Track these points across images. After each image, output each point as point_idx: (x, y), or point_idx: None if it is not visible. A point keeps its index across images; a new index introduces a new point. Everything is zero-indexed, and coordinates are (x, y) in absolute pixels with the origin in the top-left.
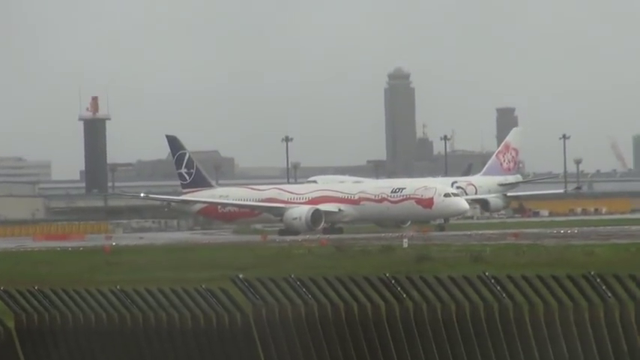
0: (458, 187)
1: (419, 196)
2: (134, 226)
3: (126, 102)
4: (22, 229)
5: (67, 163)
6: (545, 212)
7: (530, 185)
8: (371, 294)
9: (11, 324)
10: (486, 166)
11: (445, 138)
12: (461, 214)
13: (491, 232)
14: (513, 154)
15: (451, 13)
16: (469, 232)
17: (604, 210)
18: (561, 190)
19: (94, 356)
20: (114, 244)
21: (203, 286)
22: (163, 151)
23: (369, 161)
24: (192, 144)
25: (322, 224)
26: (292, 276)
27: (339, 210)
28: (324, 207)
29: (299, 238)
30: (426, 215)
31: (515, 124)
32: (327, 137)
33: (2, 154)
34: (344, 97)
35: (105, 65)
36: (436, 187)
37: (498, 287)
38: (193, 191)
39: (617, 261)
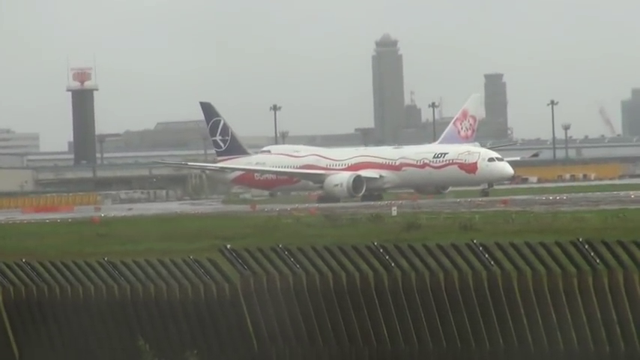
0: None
1: (462, 161)
2: (123, 197)
3: (113, 73)
4: (11, 201)
5: (56, 135)
6: (533, 179)
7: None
8: (359, 263)
9: None
10: (443, 134)
11: (433, 105)
12: (506, 179)
13: (480, 199)
14: (471, 121)
15: None
16: (458, 200)
17: (593, 176)
18: (518, 158)
19: (82, 329)
20: (103, 215)
21: (191, 257)
22: (151, 121)
23: (357, 129)
24: (180, 113)
25: (363, 191)
26: (280, 246)
27: (380, 176)
28: (364, 173)
29: (293, 206)
30: (469, 180)
31: (504, 91)
32: (315, 106)
33: None
34: (332, 65)
35: (92, 36)
36: (480, 151)
37: (487, 255)
38: (228, 159)
39: (607, 227)
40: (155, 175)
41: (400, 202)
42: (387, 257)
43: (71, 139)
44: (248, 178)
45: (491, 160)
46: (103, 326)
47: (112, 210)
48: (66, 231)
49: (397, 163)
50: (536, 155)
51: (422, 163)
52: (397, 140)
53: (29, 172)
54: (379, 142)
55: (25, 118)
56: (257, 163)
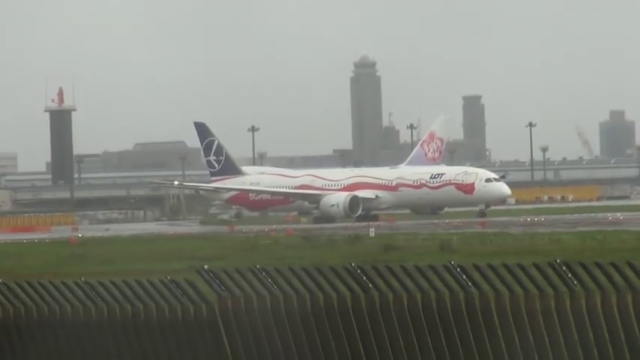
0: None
1: (459, 182)
2: (100, 217)
3: (91, 93)
4: None
5: (34, 155)
6: (511, 200)
7: None
8: (337, 284)
9: None
10: (410, 156)
11: (411, 126)
12: (503, 200)
13: (458, 220)
14: (438, 143)
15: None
16: (436, 221)
17: (571, 197)
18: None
19: (59, 349)
20: (80, 235)
21: (168, 278)
22: (129, 142)
23: (335, 150)
24: (158, 135)
25: (360, 211)
26: (258, 266)
27: (376, 196)
28: (361, 193)
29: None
30: (466, 201)
31: (482, 112)
32: (293, 127)
33: None
34: (310, 86)
35: (70, 56)
36: (477, 172)
37: (464, 276)
38: (222, 179)
39: (584, 249)
40: (133, 196)
41: (378, 223)
42: (364, 278)
43: (49, 160)
44: (243, 199)
45: (488, 180)
46: (79, 347)
47: (90, 230)
48: (43, 251)
49: (394, 184)
50: (502, 177)
51: (419, 183)
52: (375, 162)
53: (7, 193)
54: (357, 164)
55: (2, 139)
56: (251, 184)
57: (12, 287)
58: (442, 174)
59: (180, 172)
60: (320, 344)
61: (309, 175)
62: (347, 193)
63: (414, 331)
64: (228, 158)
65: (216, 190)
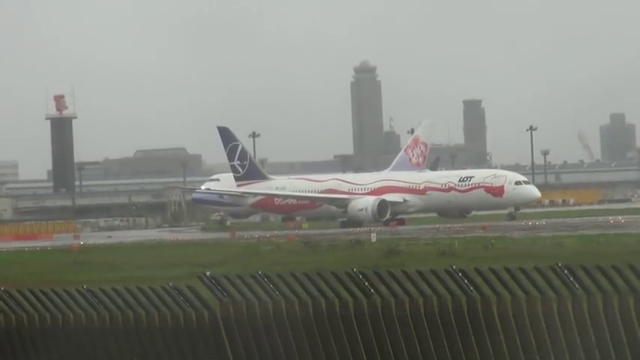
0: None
1: (489, 185)
2: (102, 224)
3: (92, 100)
4: None
5: (35, 163)
6: None
7: None
8: (339, 289)
9: None
10: (394, 161)
11: (412, 131)
12: (533, 202)
13: (459, 225)
14: (422, 148)
15: (415, 4)
16: (437, 226)
17: (572, 201)
18: None
19: (61, 356)
20: (82, 243)
21: (170, 284)
22: (130, 149)
23: (336, 156)
24: (159, 141)
25: (388, 215)
26: (259, 272)
27: (404, 200)
28: (389, 197)
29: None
30: (496, 204)
31: (483, 116)
32: (294, 133)
33: None
34: (310, 91)
35: (71, 63)
36: (506, 174)
37: (466, 280)
38: (247, 184)
39: (586, 252)
40: (134, 203)
41: (379, 228)
42: (366, 284)
43: (50, 167)
44: (268, 203)
45: (517, 183)
46: (82, 354)
47: (92, 238)
48: (45, 259)
49: (421, 187)
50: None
51: (447, 186)
52: (376, 167)
53: (8, 201)
54: (358, 169)
55: (3, 146)
56: (277, 188)
57: (14, 295)
58: (471, 177)
59: (181, 179)
60: (322, 350)
61: (335, 179)
62: (375, 197)
63: (416, 336)
64: (252, 163)
65: (242, 195)
